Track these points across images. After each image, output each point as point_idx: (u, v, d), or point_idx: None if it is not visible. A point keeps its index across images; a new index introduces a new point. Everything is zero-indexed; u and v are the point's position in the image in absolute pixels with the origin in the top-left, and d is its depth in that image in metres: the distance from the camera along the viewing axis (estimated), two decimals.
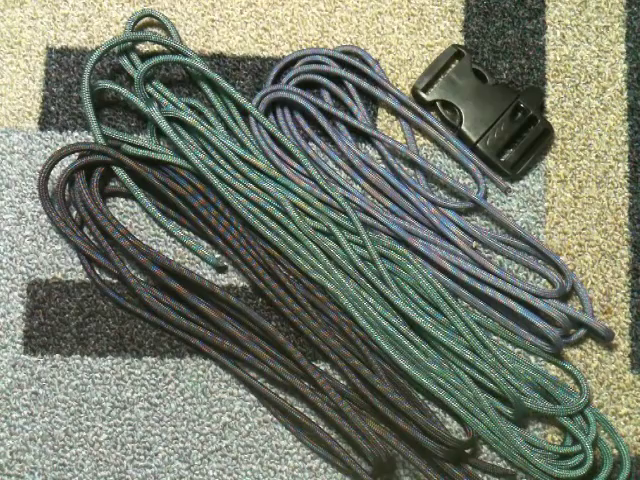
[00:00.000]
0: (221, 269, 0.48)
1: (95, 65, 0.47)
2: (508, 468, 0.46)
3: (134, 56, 0.49)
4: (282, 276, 0.47)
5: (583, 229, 0.50)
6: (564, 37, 0.52)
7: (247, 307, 0.46)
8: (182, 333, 0.47)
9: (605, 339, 0.48)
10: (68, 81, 0.50)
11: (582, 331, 0.48)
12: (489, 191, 0.50)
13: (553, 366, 0.48)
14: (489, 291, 0.47)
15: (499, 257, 0.49)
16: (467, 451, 0.46)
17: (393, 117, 0.51)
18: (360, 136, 0.50)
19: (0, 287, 0.48)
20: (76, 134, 0.49)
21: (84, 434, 0.47)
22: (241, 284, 0.48)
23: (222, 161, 0.48)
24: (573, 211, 0.50)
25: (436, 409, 0.47)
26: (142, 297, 0.46)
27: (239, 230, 0.47)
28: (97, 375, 0.47)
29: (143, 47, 0.50)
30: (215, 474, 0.47)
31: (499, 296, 0.47)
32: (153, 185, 0.47)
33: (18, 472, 0.46)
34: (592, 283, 0.49)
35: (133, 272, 0.47)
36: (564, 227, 0.50)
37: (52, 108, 0.50)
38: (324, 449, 0.46)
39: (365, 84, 0.50)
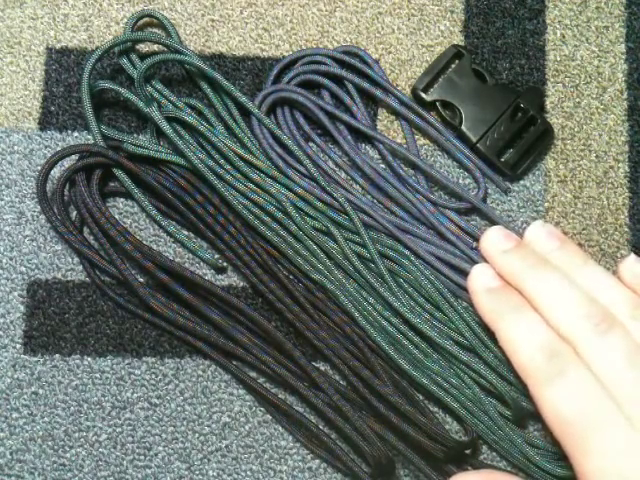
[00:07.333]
0: (221, 269, 0.48)
1: (95, 65, 0.47)
2: (508, 469, 0.46)
3: (134, 56, 0.49)
4: (282, 276, 0.47)
5: (583, 229, 0.50)
6: (564, 37, 0.52)
7: (248, 307, 0.46)
8: (184, 334, 0.47)
9: None
10: (68, 81, 0.50)
11: None
12: (489, 191, 0.50)
13: None
14: None
15: None
16: (467, 451, 0.46)
17: (393, 117, 0.51)
18: (360, 136, 0.50)
19: (0, 287, 0.48)
20: (76, 134, 0.49)
21: (84, 434, 0.47)
22: (241, 284, 0.48)
23: (222, 161, 0.48)
24: (573, 211, 0.50)
25: (436, 409, 0.47)
26: (146, 301, 0.46)
27: (239, 231, 0.47)
28: (97, 375, 0.47)
29: (143, 47, 0.50)
30: (215, 474, 0.47)
31: None
32: (153, 186, 0.47)
33: (18, 472, 0.46)
34: None
35: (133, 273, 0.47)
36: (564, 227, 0.50)
37: (52, 108, 0.50)
38: (324, 450, 0.46)
39: (365, 84, 0.50)
